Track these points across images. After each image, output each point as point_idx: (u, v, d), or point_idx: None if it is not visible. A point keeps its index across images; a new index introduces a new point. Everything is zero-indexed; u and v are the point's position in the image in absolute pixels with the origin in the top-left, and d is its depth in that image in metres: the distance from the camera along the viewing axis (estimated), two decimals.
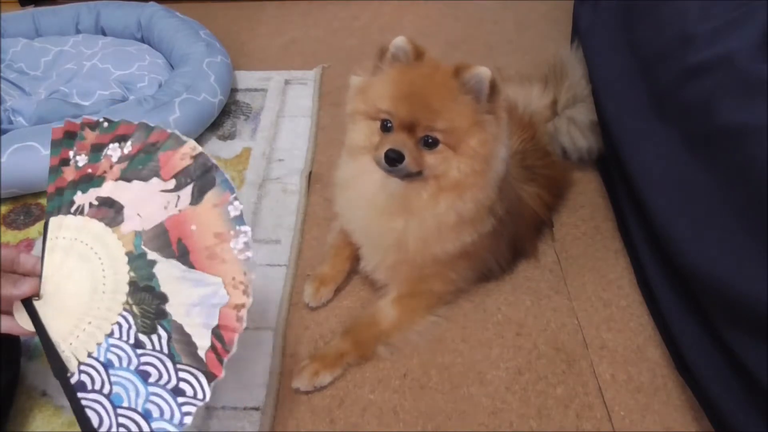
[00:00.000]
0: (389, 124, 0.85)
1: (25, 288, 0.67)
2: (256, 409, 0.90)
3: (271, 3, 2.17)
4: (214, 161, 0.75)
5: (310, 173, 1.38)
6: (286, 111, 1.59)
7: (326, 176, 1.34)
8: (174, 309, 0.68)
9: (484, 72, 0.80)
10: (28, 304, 0.68)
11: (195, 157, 0.75)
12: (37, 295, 0.69)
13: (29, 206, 1.27)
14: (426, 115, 0.82)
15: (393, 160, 0.82)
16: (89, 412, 0.62)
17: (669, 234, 0.91)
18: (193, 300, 0.68)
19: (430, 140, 0.83)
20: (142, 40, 1.73)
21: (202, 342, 0.66)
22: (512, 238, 1.07)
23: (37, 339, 0.97)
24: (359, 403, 0.93)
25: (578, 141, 1.30)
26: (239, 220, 0.72)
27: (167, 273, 0.70)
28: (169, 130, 0.78)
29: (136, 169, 0.77)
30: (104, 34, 1.75)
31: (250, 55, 1.86)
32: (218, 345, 0.65)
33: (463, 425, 0.90)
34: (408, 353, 1.00)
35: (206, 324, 0.67)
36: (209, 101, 1.44)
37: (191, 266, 0.70)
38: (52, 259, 0.72)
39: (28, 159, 1.20)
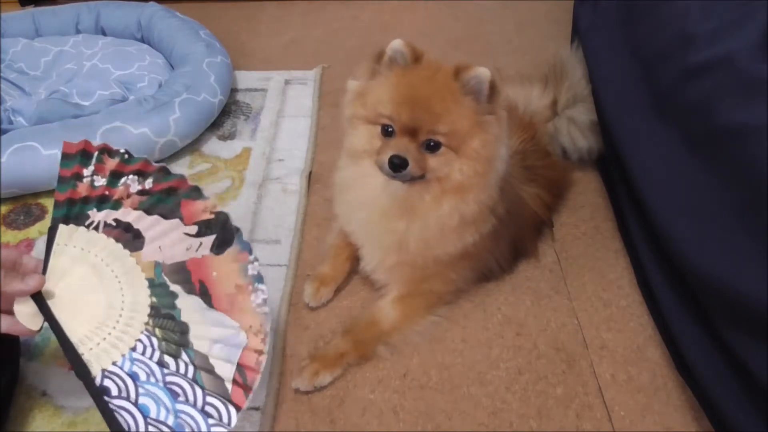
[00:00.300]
0: (390, 129, 0.85)
1: (32, 283, 0.68)
2: (256, 409, 0.90)
3: (271, 3, 2.17)
4: (234, 223, 0.79)
5: (310, 173, 1.38)
6: (286, 111, 1.59)
7: (326, 176, 1.34)
8: (196, 341, 0.70)
9: (483, 73, 0.79)
10: (39, 300, 0.69)
11: (216, 214, 0.79)
12: (41, 291, 0.69)
13: (29, 206, 1.27)
14: (428, 120, 0.82)
15: (397, 166, 0.82)
16: (118, 418, 0.63)
17: (669, 234, 0.91)
18: (215, 336, 0.70)
19: (432, 143, 0.83)
20: (142, 40, 1.73)
21: (226, 374, 0.68)
22: (513, 238, 1.08)
23: (37, 339, 0.98)
24: (359, 403, 0.93)
25: (578, 141, 1.30)
26: (258, 278, 0.75)
27: (189, 307, 0.73)
28: (190, 182, 0.82)
29: (156, 205, 0.80)
30: (104, 34, 1.75)
31: (250, 55, 1.86)
32: (240, 380, 0.67)
33: (463, 425, 0.90)
34: (408, 353, 1.00)
35: (228, 360, 0.69)
36: (209, 101, 1.44)
37: (212, 306, 0.73)
38: (58, 262, 0.73)
39: (28, 159, 1.20)
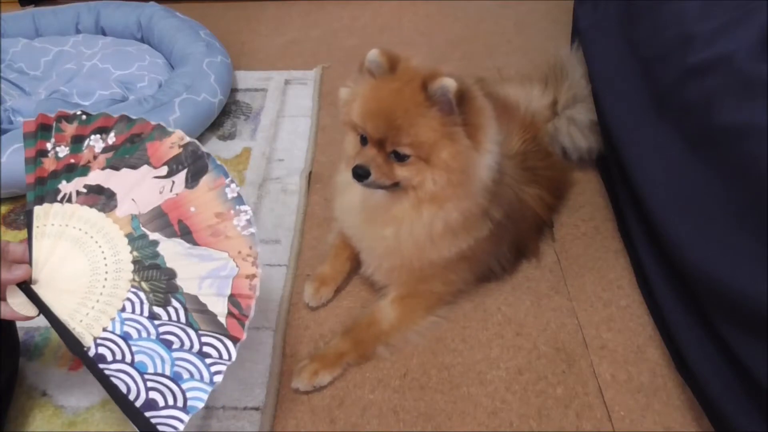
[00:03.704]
0: (365, 138, 0.86)
1: (19, 272, 0.68)
2: (256, 409, 0.90)
3: (271, 3, 2.17)
4: (204, 149, 0.78)
5: (310, 173, 1.38)
6: (286, 111, 1.59)
7: (326, 176, 1.34)
8: (184, 283, 0.70)
9: (448, 83, 0.77)
10: (26, 288, 0.69)
11: (184, 146, 0.79)
12: (29, 279, 0.70)
13: None
14: (391, 132, 0.82)
15: (360, 176, 0.84)
16: (116, 381, 0.63)
17: (669, 234, 0.91)
18: (202, 273, 0.71)
19: (400, 154, 0.84)
20: (142, 40, 1.73)
21: (219, 309, 0.68)
22: (514, 239, 1.08)
23: (37, 339, 0.98)
24: (359, 403, 0.93)
25: (578, 141, 1.30)
26: (238, 200, 0.75)
27: (172, 251, 0.73)
28: (153, 122, 0.81)
29: (123, 158, 0.79)
30: (104, 34, 1.75)
31: (250, 55, 1.86)
32: (236, 311, 0.68)
33: (463, 425, 0.90)
34: (408, 353, 1.00)
35: (220, 293, 0.69)
36: (209, 101, 1.44)
37: (195, 244, 0.73)
38: (41, 245, 0.73)
39: None
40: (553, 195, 1.19)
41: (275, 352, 0.98)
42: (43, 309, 0.68)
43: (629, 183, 1.07)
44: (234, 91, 1.63)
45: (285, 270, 1.13)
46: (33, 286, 0.70)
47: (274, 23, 2.05)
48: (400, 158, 0.84)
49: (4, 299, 0.68)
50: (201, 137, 1.46)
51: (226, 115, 1.55)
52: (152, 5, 1.75)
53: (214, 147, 1.46)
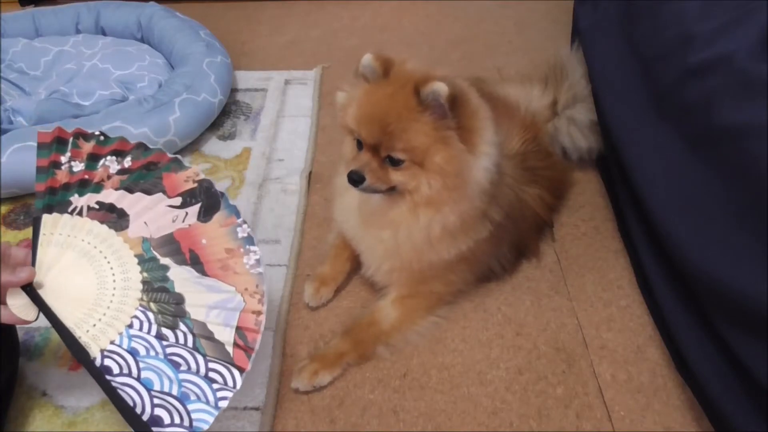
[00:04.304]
0: (361, 142, 0.86)
1: (23, 275, 0.68)
2: (256, 409, 0.90)
3: (271, 3, 2.17)
4: (218, 188, 0.79)
5: (310, 173, 1.38)
6: (286, 111, 1.59)
7: (326, 176, 1.34)
8: (192, 309, 0.71)
9: (440, 88, 0.77)
10: (30, 291, 0.69)
11: (199, 182, 0.80)
12: (32, 282, 0.70)
13: (29, 206, 1.27)
14: (385, 137, 0.82)
15: (354, 180, 0.84)
16: (121, 394, 0.63)
17: (669, 233, 0.91)
18: (210, 303, 0.71)
19: (394, 159, 0.84)
20: (142, 40, 1.73)
21: (226, 338, 0.68)
22: (514, 239, 1.07)
23: (37, 339, 0.98)
24: (359, 403, 0.93)
25: (578, 141, 1.30)
26: (249, 240, 0.77)
27: (182, 277, 0.73)
28: (170, 155, 0.83)
29: (137, 182, 0.81)
30: (104, 34, 1.75)
31: (250, 55, 1.86)
32: (241, 343, 0.68)
33: (463, 425, 0.90)
34: (408, 353, 1.00)
35: (227, 324, 0.69)
36: (209, 101, 1.44)
37: (205, 274, 0.74)
38: (46, 252, 0.73)
39: (28, 159, 1.18)
40: (553, 195, 1.19)
41: (275, 352, 0.98)
42: (47, 313, 0.68)
43: (629, 183, 1.07)
44: (234, 91, 1.63)
45: (285, 270, 1.13)
46: (39, 291, 0.70)
47: (274, 23, 2.05)
48: (395, 163, 0.84)
49: (4, 303, 0.68)
50: (201, 137, 1.46)
51: (226, 115, 1.55)
52: (152, 5, 1.75)
53: (214, 147, 1.46)
